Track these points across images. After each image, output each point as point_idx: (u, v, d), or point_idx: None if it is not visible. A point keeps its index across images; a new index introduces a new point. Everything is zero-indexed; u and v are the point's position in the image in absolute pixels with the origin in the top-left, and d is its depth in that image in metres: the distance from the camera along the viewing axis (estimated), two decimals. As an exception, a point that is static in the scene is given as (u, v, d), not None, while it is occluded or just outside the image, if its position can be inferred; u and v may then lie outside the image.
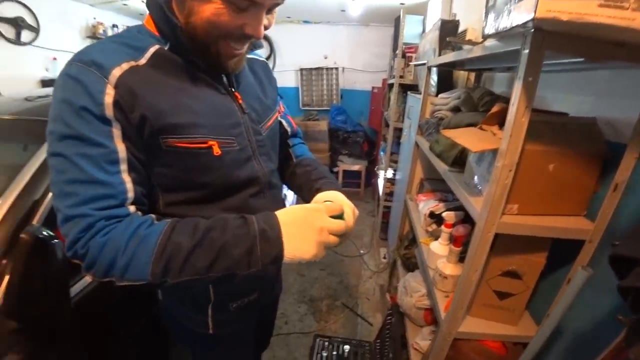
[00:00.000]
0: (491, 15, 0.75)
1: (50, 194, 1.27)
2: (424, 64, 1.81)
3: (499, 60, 1.27)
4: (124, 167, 0.59)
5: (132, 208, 0.60)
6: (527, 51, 0.64)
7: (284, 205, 0.93)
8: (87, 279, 0.98)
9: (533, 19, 0.51)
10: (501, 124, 0.95)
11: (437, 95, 1.75)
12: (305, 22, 4.59)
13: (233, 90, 0.73)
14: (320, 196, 0.76)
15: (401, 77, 2.67)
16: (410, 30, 2.90)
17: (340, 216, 0.65)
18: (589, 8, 0.50)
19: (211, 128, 0.66)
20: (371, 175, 4.49)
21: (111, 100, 0.56)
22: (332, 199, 0.73)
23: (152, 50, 0.63)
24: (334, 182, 0.84)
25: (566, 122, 0.84)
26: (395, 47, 3.14)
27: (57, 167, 0.56)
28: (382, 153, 3.72)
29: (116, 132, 0.58)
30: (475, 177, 0.92)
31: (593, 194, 0.86)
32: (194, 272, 0.56)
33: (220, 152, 0.67)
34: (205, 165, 0.67)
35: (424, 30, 3.05)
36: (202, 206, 0.71)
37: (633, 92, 0.79)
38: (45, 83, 3.37)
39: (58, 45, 3.49)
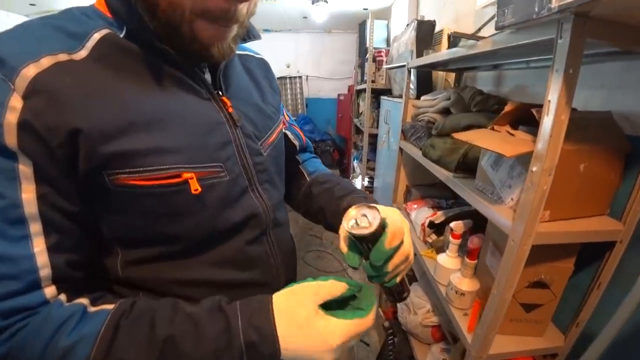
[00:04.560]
0: (511, 5, 0.67)
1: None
2: (403, 66, 1.76)
3: (487, 58, 1.23)
4: (35, 227, 0.38)
5: (49, 291, 0.39)
6: (567, 40, 0.56)
7: (294, 246, 0.73)
8: None
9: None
10: (512, 124, 0.89)
11: (417, 98, 1.70)
12: (266, 30, 4.49)
13: (220, 94, 0.53)
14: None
15: (373, 81, 2.63)
16: (376, 35, 2.88)
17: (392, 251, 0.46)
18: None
19: (187, 153, 0.46)
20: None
21: (15, 119, 0.35)
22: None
23: (96, 36, 0.42)
24: (365, 196, 0.63)
25: (587, 117, 0.78)
26: (361, 52, 3.11)
27: None
28: (355, 161, 3.67)
29: (24, 170, 0.37)
30: (496, 183, 0.84)
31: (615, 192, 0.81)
32: None
33: (200, 188, 0.46)
34: (179, 210, 0.47)
35: (388, 35, 3.05)
36: (178, 263, 0.51)
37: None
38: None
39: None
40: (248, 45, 0.67)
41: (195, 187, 0.46)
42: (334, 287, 0.44)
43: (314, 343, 0.40)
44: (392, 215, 0.50)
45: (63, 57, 0.39)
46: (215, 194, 0.49)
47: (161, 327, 0.39)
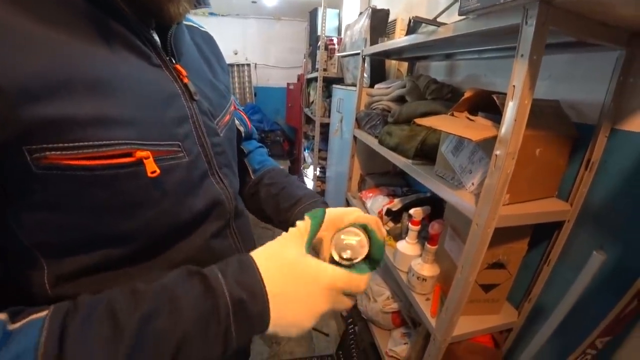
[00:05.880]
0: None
1: None
2: (357, 54, 1.74)
3: (444, 46, 1.25)
4: None
5: None
6: (532, 26, 0.57)
7: (254, 241, 0.65)
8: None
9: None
10: (470, 110, 0.90)
11: (371, 86, 1.70)
12: (211, 14, 4.23)
13: (173, 61, 0.45)
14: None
15: (325, 70, 2.59)
16: (327, 23, 2.84)
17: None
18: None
19: (139, 127, 0.37)
20: (295, 175, 4.39)
21: None
22: (340, 217, 0.48)
23: None
24: (315, 200, 0.60)
25: (540, 105, 0.82)
26: (311, 41, 3.06)
27: None
28: (306, 151, 3.63)
29: None
30: (457, 169, 0.85)
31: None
32: None
33: (158, 170, 0.37)
34: (133, 198, 0.38)
35: (339, 23, 3.03)
36: (130, 271, 0.41)
37: (597, 75, 0.80)
38: None
39: None
40: (192, 17, 0.60)
41: (152, 168, 0.37)
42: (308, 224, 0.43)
43: (304, 282, 0.38)
44: (358, 212, 0.49)
45: None
46: (176, 178, 0.41)
47: (124, 310, 0.30)
